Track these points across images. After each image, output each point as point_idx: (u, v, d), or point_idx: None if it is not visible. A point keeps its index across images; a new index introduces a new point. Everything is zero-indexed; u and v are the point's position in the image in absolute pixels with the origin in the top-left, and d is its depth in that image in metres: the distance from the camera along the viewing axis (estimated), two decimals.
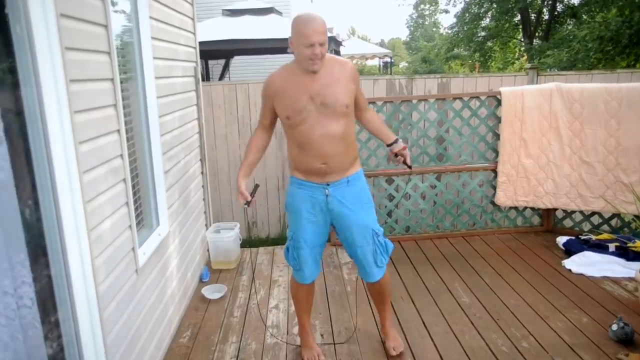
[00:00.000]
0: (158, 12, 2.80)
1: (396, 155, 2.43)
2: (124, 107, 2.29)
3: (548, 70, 9.44)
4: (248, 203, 2.31)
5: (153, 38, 2.67)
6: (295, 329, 2.87)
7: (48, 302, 1.66)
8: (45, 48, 1.54)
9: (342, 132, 2.24)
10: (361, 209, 2.35)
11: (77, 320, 1.74)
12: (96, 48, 1.92)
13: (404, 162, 2.45)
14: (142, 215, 2.61)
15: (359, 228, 2.34)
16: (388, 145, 2.46)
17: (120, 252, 2.11)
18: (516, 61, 17.11)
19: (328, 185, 2.31)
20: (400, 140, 2.45)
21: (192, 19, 3.72)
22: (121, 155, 2.15)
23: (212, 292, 3.37)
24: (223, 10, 8.95)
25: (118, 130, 2.12)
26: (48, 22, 1.54)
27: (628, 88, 3.68)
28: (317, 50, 2.09)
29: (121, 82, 2.19)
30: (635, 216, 3.74)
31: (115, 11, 2.29)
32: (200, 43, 3.98)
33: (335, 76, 2.22)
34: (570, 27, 12.27)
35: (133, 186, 2.42)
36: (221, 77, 9.48)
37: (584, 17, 12.37)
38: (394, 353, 2.55)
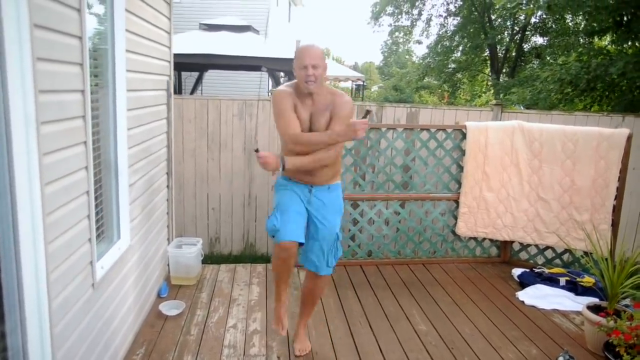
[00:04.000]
0: (134, 25, 2.80)
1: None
2: (92, 118, 2.27)
3: (514, 106, 9.85)
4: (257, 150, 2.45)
5: (127, 51, 2.66)
6: (252, 350, 2.86)
7: None
8: (16, 58, 1.53)
9: (328, 153, 2.52)
10: (334, 213, 2.68)
11: (27, 336, 1.69)
12: (69, 59, 1.91)
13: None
14: (103, 227, 2.56)
15: (327, 228, 2.64)
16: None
17: (78, 265, 2.07)
18: (483, 94, 17.74)
19: (312, 186, 2.63)
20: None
21: (169, 33, 3.73)
22: (86, 168, 2.12)
23: (169, 308, 3.31)
24: (200, 24, 8.97)
25: (85, 142, 2.10)
26: (21, 33, 1.53)
27: (583, 132, 3.90)
28: (310, 71, 2.42)
29: (91, 93, 2.18)
30: (585, 252, 3.92)
31: (91, 23, 2.29)
32: (175, 55, 3.99)
33: (327, 107, 2.53)
34: (534, 67, 12.87)
35: (95, 198, 2.39)
36: (193, 91, 9.44)
37: (548, 58, 13.02)
38: (298, 354, 2.82)
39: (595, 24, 8.22)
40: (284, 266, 2.56)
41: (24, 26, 1.54)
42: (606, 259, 3.10)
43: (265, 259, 5.04)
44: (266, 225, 2.54)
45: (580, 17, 10.89)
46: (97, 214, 2.38)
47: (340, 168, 2.74)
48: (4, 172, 1.55)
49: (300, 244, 2.54)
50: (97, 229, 2.43)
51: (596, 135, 3.83)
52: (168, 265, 3.84)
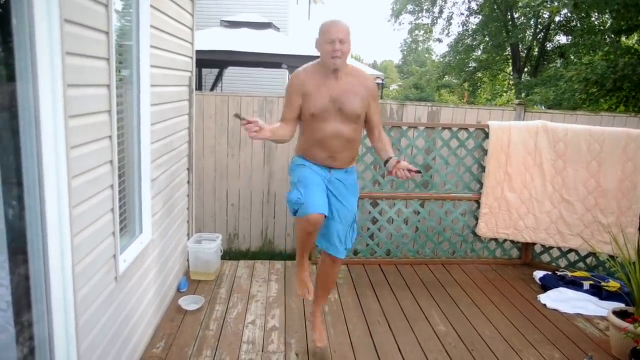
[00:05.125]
0: (159, 21, 2.82)
1: (394, 172, 2.52)
2: (117, 113, 2.29)
3: (535, 106, 9.69)
4: (238, 116, 2.34)
5: (152, 46, 2.68)
6: (271, 347, 2.87)
7: (24, 306, 1.63)
8: (47, 52, 1.55)
9: (351, 135, 2.53)
10: (352, 195, 2.69)
11: (52, 327, 1.72)
12: (96, 54, 1.93)
13: (410, 172, 2.47)
14: (126, 221, 2.59)
15: (346, 209, 2.64)
16: (384, 164, 2.62)
17: (102, 258, 2.09)
18: (504, 93, 17.49)
19: (331, 169, 2.60)
20: (394, 157, 2.56)
21: (191, 29, 3.75)
22: (111, 162, 2.14)
23: (189, 303, 3.34)
24: (221, 20, 9.01)
25: (110, 137, 2.12)
26: (52, 27, 1.55)
27: (610, 132, 3.80)
28: (337, 46, 2.34)
29: (116, 88, 2.20)
30: (610, 256, 3.83)
31: (117, 18, 2.31)
32: (196, 51, 4.01)
33: (356, 87, 2.49)
34: (557, 66, 12.63)
35: (119, 192, 2.41)
36: (213, 87, 9.49)
37: (572, 57, 12.77)
38: (319, 344, 2.78)
39: (623, 22, 8.01)
40: (307, 238, 2.55)
41: (55, 21, 1.55)
42: (633, 263, 3.02)
43: (283, 257, 5.05)
44: (288, 199, 2.49)
45: (607, 15, 10.64)
46: (120, 207, 2.40)
47: (357, 154, 2.81)
48: (34, 164, 1.57)
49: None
50: (120, 222, 2.45)
51: (624, 136, 3.74)
52: (187, 260, 3.87)
